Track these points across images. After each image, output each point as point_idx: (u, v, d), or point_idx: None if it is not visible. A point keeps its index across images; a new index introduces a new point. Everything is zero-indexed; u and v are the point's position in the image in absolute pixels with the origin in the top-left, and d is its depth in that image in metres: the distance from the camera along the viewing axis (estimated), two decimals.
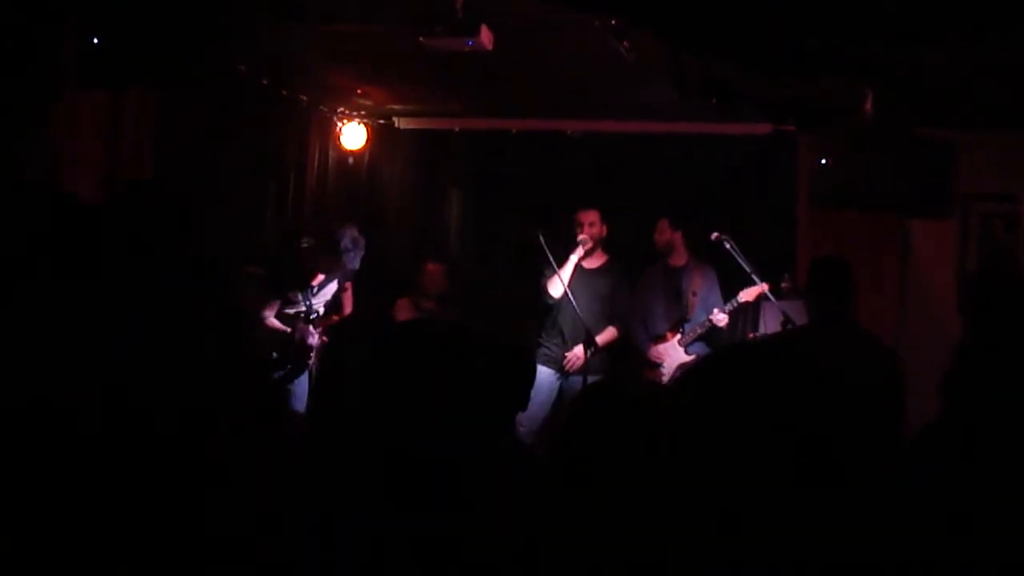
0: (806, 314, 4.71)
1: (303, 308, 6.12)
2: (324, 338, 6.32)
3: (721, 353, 1.24)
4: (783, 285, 6.48)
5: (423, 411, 1.66)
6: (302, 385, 6.15)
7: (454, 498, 1.62)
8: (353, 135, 7.67)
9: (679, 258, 6.69)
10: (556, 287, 6.44)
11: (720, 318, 6.34)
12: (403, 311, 6.89)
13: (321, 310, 6.27)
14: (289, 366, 6.01)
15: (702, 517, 1.03)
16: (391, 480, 1.64)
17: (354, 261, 6.14)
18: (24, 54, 4.14)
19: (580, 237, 6.54)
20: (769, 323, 6.15)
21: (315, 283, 6.19)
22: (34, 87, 4.28)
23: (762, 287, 6.17)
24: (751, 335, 6.44)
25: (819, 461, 1.03)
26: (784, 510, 1.01)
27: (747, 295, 6.29)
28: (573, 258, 6.50)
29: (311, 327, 6.13)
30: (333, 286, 6.31)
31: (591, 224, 6.58)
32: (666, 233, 6.68)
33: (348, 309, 6.56)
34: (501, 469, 1.78)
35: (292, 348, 6.04)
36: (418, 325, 2.36)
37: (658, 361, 6.50)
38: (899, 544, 1.20)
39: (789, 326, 5.66)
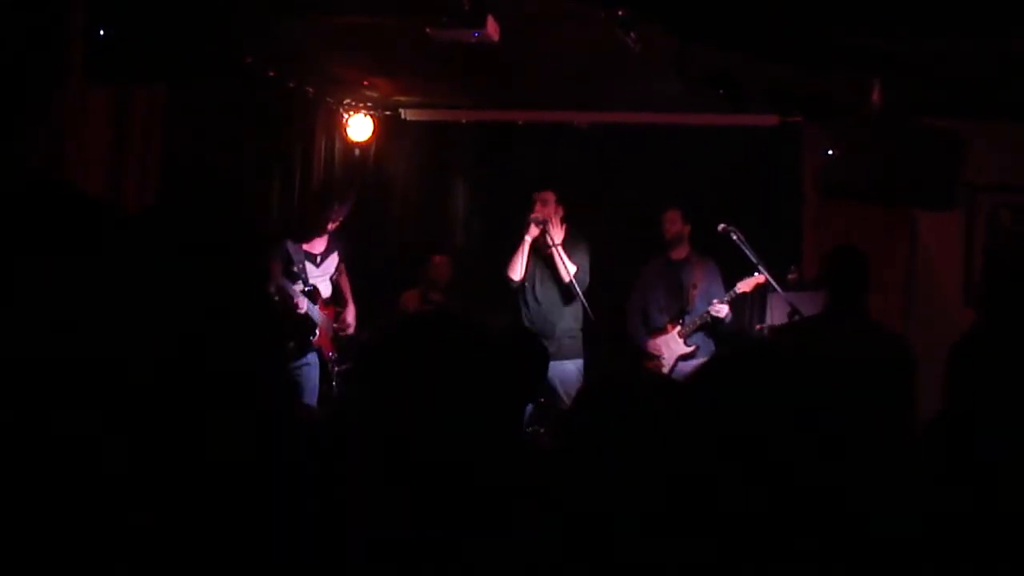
0: (814, 305, 4.71)
1: (304, 284, 6.15)
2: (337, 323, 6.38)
3: (736, 352, 1.25)
4: (790, 276, 6.49)
5: (435, 406, 1.67)
6: (311, 376, 6.15)
7: (466, 492, 1.63)
8: (359, 127, 7.66)
9: (680, 251, 6.71)
10: (515, 270, 6.44)
11: (719, 308, 6.36)
12: (411, 303, 6.92)
13: (322, 289, 6.30)
14: (292, 343, 5.98)
15: (709, 512, 1.04)
16: (401, 474, 1.65)
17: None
18: (26, 46, 4.14)
19: (531, 216, 6.44)
20: (776, 314, 6.15)
21: (318, 252, 6.26)
22: (37, 79, 4.28)
23: (758, 278, 6.18)
24: (758, 326, 6.45)
25: (829, 459, 1.03)
26: (794, 507, 1.01)
27: (745, 286, 6.31)
28: (527, 239, 6.44)
29: (313, 302, 6.16)
30: (334, 259, 6.37)
31: (544, 202, 6.49)
32: (677, 224, 6.68)
33: (348, 295, 6.58)
34: (513, 462, 1.78)
35: (294, 323, 6.03)
36: (429, 317, 2.35)
37: (656, 353, 6.53)
38: (903, 538, 1.20)
39: (796, 317, 5.66)
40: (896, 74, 5.41)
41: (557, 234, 6.43)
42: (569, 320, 6.47)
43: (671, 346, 6.52)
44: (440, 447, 1.65)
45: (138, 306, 1.31)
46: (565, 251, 6.41)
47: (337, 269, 6.47)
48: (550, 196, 6.53)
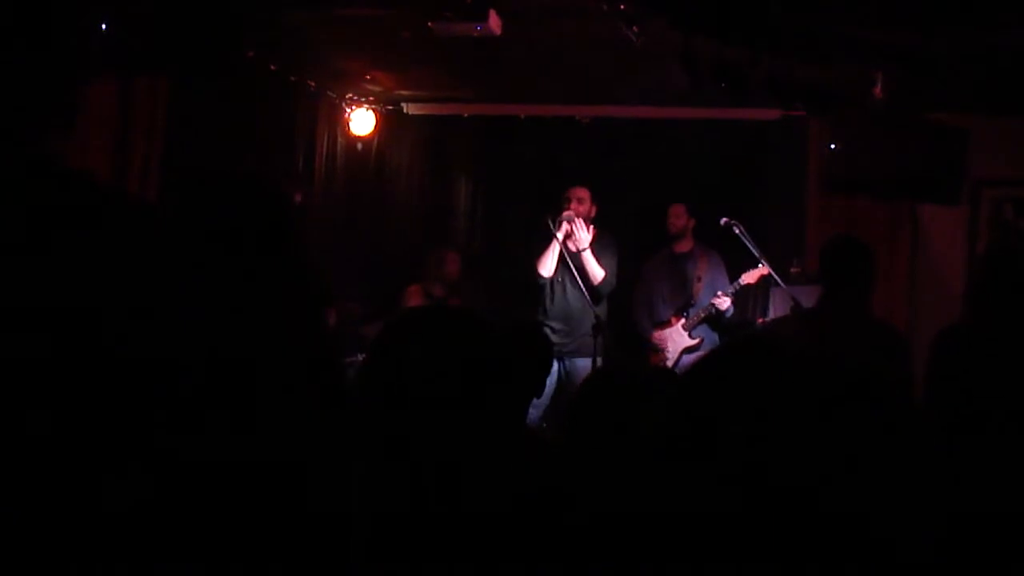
0: (816, 299, 4.68)
1: None
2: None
3: (726, 346, 1.25)
4: (792, 270, 6.48)
5: (436, 400, 1.67)
6: None
7: (467, 485, 1.63)
8: (362, 121, 7.66)
9: (685, 244, 6.71)
10: (546, 267, 6.42)
11: (722, 301, 6.36)
12: (413, 298, 6.90)
13: None
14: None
15: (707, 508, 1.04)
16: (403, 469, 1.65)
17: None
18: (50, 42, 4.13)
19: (565, 213, 6.34)
20: (778, 308, 6.16)
21: None
22: (60, 75, 4.27)
23: (762, 270, 6.18)
24: (760, 320, 6.45)
25: (823, 456, 1.03)
26: (788, 505, 1.01)
27: (748, 278, 6.31)
28: (559, 236, 6.32)
29: None
30: None
31: (579, 200, 6.41)
32: (683, 219, 6.69)
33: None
34: (515, 456, 1.78)
35: None
36: (430, 311, 2.35)
37: (661, 346, 6.52)
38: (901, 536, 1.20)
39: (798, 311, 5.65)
40: (900, 68, 5.40)
41: (586, 236, 6.34)
42: (590, 319, 6.42)
43: (675, 339, 6.52)
44: (441, 442, 1.65)
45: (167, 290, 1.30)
46: (594, 253, 6.34)
47: None
48: (585, 193, 6.44)
